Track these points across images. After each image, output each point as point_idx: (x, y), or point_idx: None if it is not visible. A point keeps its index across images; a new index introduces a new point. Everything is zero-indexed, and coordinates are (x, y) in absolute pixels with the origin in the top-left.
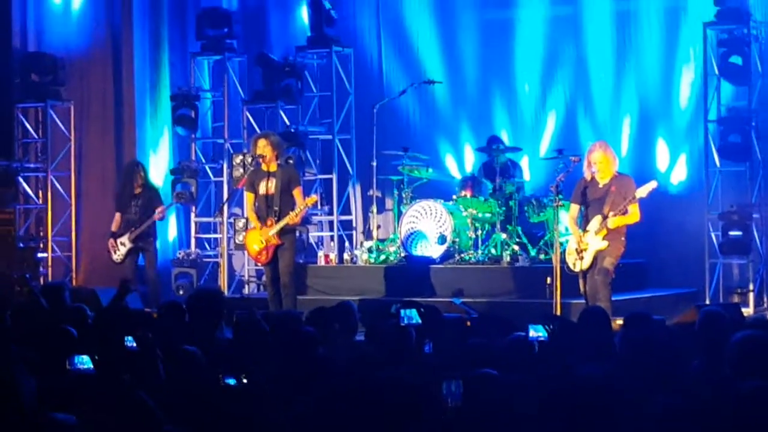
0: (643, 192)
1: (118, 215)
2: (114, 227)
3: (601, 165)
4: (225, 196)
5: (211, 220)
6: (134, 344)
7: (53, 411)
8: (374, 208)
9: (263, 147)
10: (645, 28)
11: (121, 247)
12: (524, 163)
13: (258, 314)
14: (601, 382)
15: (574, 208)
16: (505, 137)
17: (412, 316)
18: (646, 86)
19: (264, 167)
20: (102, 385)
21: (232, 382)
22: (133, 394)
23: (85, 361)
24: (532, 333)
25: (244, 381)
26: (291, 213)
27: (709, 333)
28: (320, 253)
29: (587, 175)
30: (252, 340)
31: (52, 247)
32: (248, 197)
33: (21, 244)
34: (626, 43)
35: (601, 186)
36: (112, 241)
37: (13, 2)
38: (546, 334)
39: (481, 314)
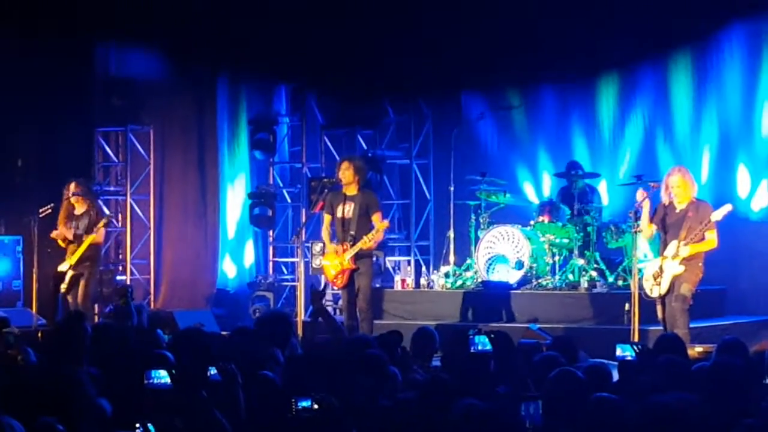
0: (718, 215)
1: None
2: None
3: (678, 189)
4: (302, 220)
5: (287, 244)
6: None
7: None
8: (451, 233)
9: (344, 170)
10: (726, 53)
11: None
12: (602, 188)
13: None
14: (684, 408)
15: (651, 227)
16: (583, 163)
17: (483, 342)
18: (727, 112)
19: (344, 190)
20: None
21: (306, 404)
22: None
23: (161, 376)
24: (619, 352)
25: (316, 405)
26: (365, 237)
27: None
28: (397, 278)
29: (665, 200)
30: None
31: (131, 269)
32: (326, 218)
33: (100, 267)
34: (707, 68)
35: (678, 211)
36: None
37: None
38: (634, 354)
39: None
